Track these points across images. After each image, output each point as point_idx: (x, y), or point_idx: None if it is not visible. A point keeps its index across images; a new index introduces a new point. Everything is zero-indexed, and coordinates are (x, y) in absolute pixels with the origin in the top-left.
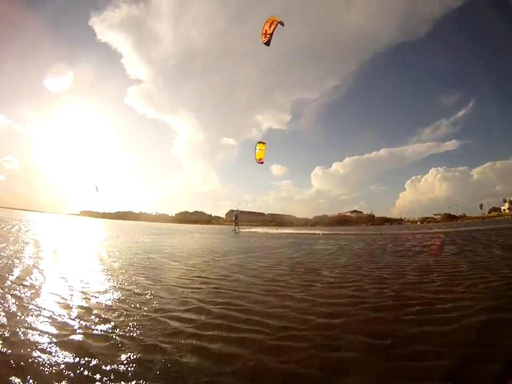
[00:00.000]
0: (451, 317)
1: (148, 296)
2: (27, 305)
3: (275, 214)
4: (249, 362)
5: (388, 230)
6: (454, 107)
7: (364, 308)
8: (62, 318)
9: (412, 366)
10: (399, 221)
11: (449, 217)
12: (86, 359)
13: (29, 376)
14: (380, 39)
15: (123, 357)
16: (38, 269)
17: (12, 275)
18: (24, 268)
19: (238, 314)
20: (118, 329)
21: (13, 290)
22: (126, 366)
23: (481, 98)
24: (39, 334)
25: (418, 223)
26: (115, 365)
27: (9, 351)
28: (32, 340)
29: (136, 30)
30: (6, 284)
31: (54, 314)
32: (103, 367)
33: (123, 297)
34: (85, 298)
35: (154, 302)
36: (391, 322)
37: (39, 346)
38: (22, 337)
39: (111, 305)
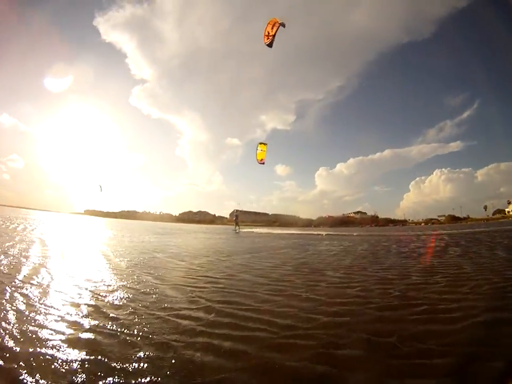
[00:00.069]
0: (455, 317)
1: (156, 295)
2: (36, 304)
3: (279, 214)
4: (258, 360)
5: (391, 231)
6: (458, 108)
7: (369, 307)
8: (71, 317)
9: (416, 363)
10: (403, 222)
11: (454, 219)
12: (97, 357)
13: (39, 374)
14: (384, 39)
15: (134, 354)
16: (46, 267)
17: (20, 274)
18: (32, 267)
19: (246, 313)
20: (127, 328)
21: (21, 289)
22: (137, 363)
23: (486, 99)
24: (48, 332)
25: (423, 224)
26: (126, 363)
27: (18, 348)
28: (41, 337)
29: (141, 30)
30: (15, 283)
31: (63, 313)
32: (114, 364)
33: (132, 296)
34: (94, 297)
35: (163, 301)
36: (396, 321)
37: (49, 344)
38: (32, 335)
39: (120, 304)
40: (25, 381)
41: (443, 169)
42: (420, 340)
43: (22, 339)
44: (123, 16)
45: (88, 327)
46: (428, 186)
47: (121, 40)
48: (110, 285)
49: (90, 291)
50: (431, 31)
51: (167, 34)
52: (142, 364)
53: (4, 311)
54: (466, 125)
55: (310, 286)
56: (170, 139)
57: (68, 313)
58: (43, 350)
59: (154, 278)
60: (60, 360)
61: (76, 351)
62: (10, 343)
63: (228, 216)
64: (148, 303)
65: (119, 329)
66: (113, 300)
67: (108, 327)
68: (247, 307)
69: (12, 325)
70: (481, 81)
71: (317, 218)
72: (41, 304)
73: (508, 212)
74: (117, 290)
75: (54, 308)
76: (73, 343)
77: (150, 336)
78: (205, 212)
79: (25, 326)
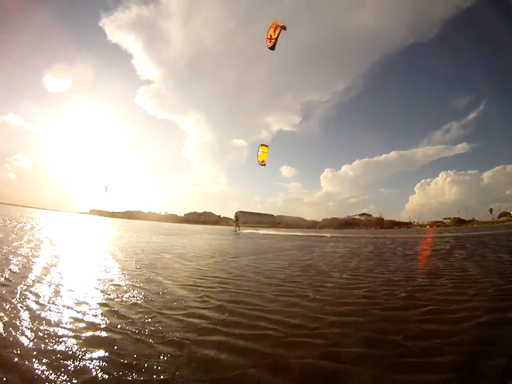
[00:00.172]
0: (460, 317)
1: (167, 295)
2: (49, 303)
3: (284, 216)
4: (270, 357)
5: (397, 233)
6: (464, 110)
7: (376, 308)
8: (85, 316)
9: (422, 360)
10: (408, 225)
11: (459, 222)
12: (113, 355)
13: (55, 372)
14: (389, 40)
15: (149, 352)
16: (56, 267)
17: (32, 273)
18: (42, 267)
19: (255, 313)
20: (141, 327)
21: (34, 289)
22: (153, 361)
23: (492, 101)
24: (63, 331)
25: (428, 227)
26: (142, 361)
27: (34, 346)
28: (56, 336)
29: (147, 31)
30: (26, 282)
31: (76, 312)
32: (130, 362)
33: (143, 296)
34: (106, 297)
35: (174, 301)
36: (402, 321)
37: (64, 343)
38: (46, 334)
39: (133, 303)
40: (40, 378)
41: (449, 171)
42: (425, 339)
43: (36, 338)
44: (129, 17)
45: (102, 326)
46: (433, 189)
47: (127, 41)
48: (121, 285)
49: (102, 291)
50: (436, 32)
51: (173, 35)
52: (158, 361)
53: (17, 311)
54: (472, 127)
55: (316, 287)
56: (176, 140)
57: (81, 313)
58: (58, 348)
59: (164, 278)
60: (75, 359)
61: (91, 349)
62: (26, 341)
63: (232, 217)
64: (160, 303)
65: (133, 328)
66: (125, 299)
67: (122, 326)
68: (256, 307)
69: (26, 323)
70: (487, 82)
71: (322, 220)
72: (53, 303)
73: None
74: (128, 290)
75: (67, 307)
76: (88, 341)
77: (165, 334)
78: (210, 212)
79: (38, 325)
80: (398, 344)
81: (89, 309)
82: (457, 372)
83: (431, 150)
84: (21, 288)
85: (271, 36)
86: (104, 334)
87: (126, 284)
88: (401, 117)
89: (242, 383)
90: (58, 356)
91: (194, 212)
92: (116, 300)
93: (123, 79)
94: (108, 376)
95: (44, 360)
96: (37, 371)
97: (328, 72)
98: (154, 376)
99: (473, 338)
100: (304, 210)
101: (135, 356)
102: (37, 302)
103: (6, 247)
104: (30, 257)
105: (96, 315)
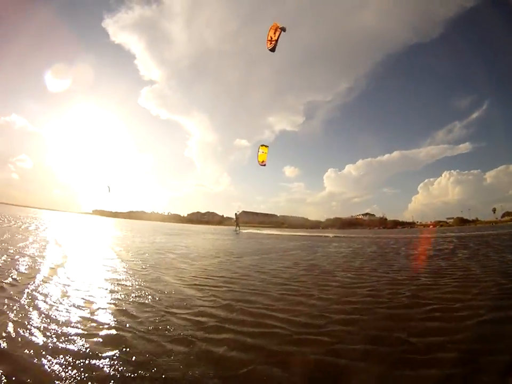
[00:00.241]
0: (463, 315)
1: (175, 294)
2: (57, 303)
3: (287, 216)
4: (279, 354)
5: (400, 233)
6: (467, 109)
7: (380, 306)
8: (93, 315)
9: (426, 356)
10: (411, 225)
11: (462, 221)
12: (123, 353)
13: (67, 369)
14: (392, 40)
15: (160, 350)
16: (63, 267)
17: (40, 274)
18: (49, 267)
19: (262, 311)
20: (151, 325)
21: (42, 289)
22: (164, 358)
23: (495, 100)
24: (73, 330)
25: (431, 226)
26: (153, 358)
27: (44, 345)
28: (67, 335)
29: (149, 31)
30: (35, 282)
31: (85, 312)
32: (141, 359)
33: (151, 295)
34: (114, 296)
35: (183, 300)
36: (406, 319)
37: (75, 341)
38: (57, 333)
39: (141, 303)
40: (52, 377)
41: (452, 171)
42: (429, 336)
43: (46, 337)
44: (132, 18)
45: (112, 325)
46: (436, 188)
47: (130, 41)
48: (129, 285)
49: (110, 291)
50: (439, 32)
51: (176, 35)
52: (169, 358)
53: (27, 311)
54: (475, 127)
55: (321, 286)
56: (179, 140)
57: (90, 312)
58: (69, 347)
59: (170, 278)
60: (86, 358)
61: (102, 348)
62: (37, 341)
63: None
64: (168, 302)
65: (142, 327)
66: (133, 299)
67: (131, 325)
68: (263, 305)
69: (36, 324)
70: (490, 82)
71: (325, 220)
72: (62, 303)
73: None
74: (136, 289)
75: (76, 307)
76: (99, 341)
77: (174, 333)
78: (213, 212)
79: (48, 325)
80: (402, 341)
81: (98, 309)
82: (460, 368)
83: (434, 150)
84: (29, 288)
85: (271, 38)
86: (114, 333)
87: (133, 284)
88: (404, 117)
89: (251, 380)
90: (69, 355)
91: (198, 212)
92: (124, 299)
93: (126, 80)
94: (119, 374)
95: (55, 360)
96: (48, 370)
97: (331, 73)
98: (165, 375)
99: (476, 336)
100: (307, 210)
101: (145, 354)
102: (46, 302)
103: (13, 248)
104: (37, 258)
105: (105, 314)
